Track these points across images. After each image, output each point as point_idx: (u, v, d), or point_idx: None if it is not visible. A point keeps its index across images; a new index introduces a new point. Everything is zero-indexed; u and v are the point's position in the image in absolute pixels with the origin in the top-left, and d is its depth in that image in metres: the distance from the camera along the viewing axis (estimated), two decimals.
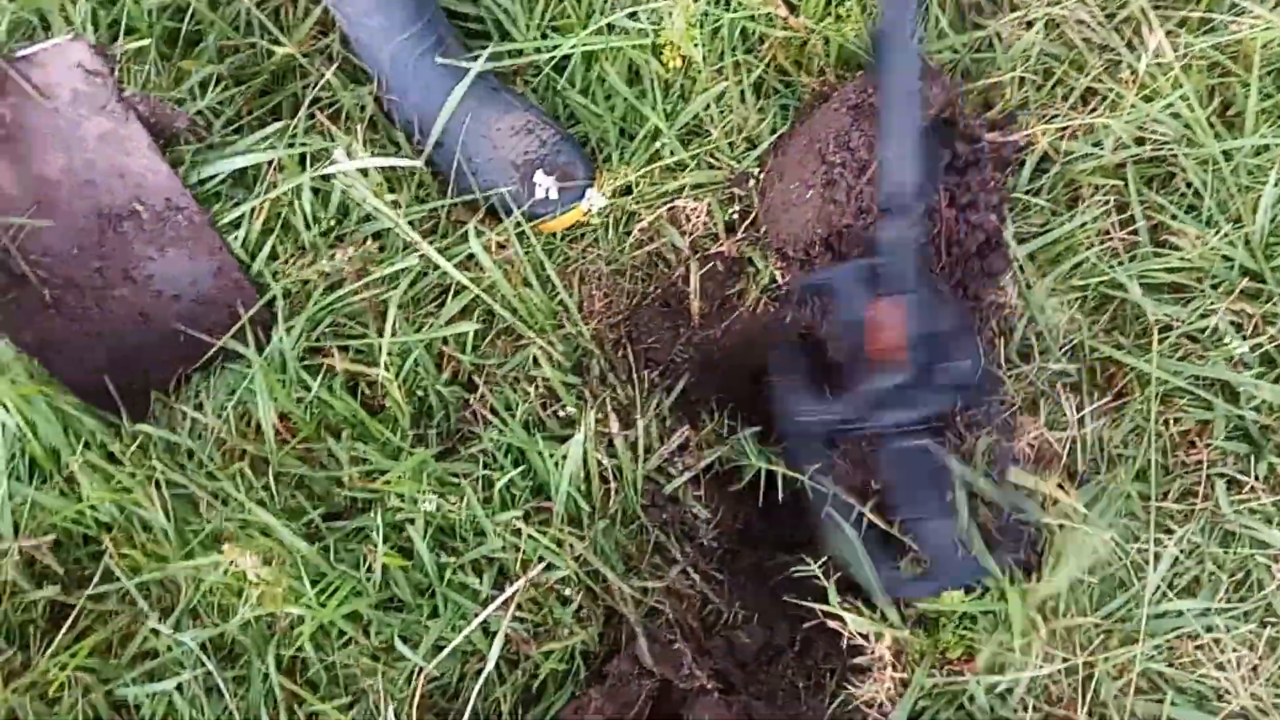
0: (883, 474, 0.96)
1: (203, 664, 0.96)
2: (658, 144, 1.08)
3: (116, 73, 0.99)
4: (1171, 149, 1.05)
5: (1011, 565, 0.91)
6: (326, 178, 1.04)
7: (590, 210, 1.08)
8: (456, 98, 1.06)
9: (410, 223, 1.04)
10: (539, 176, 1.05)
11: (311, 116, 1.07)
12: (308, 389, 1.01)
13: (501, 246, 1.06)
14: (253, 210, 1.02)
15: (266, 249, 1.04)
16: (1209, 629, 0.98)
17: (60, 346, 1.00)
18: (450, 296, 1.05)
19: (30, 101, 0.97)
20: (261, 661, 0.96)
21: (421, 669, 0.94)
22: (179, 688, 0.96)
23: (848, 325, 0.96)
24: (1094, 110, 1.06)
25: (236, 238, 1.03)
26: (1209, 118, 1.06)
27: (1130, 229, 1.06)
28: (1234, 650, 0.97)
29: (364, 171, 1.04)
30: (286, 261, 1.03)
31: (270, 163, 1.04)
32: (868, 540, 0.94)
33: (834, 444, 1.00)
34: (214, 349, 1.00)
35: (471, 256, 1.04)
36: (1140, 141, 1.06)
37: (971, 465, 0.95)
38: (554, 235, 1.11)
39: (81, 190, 0.98)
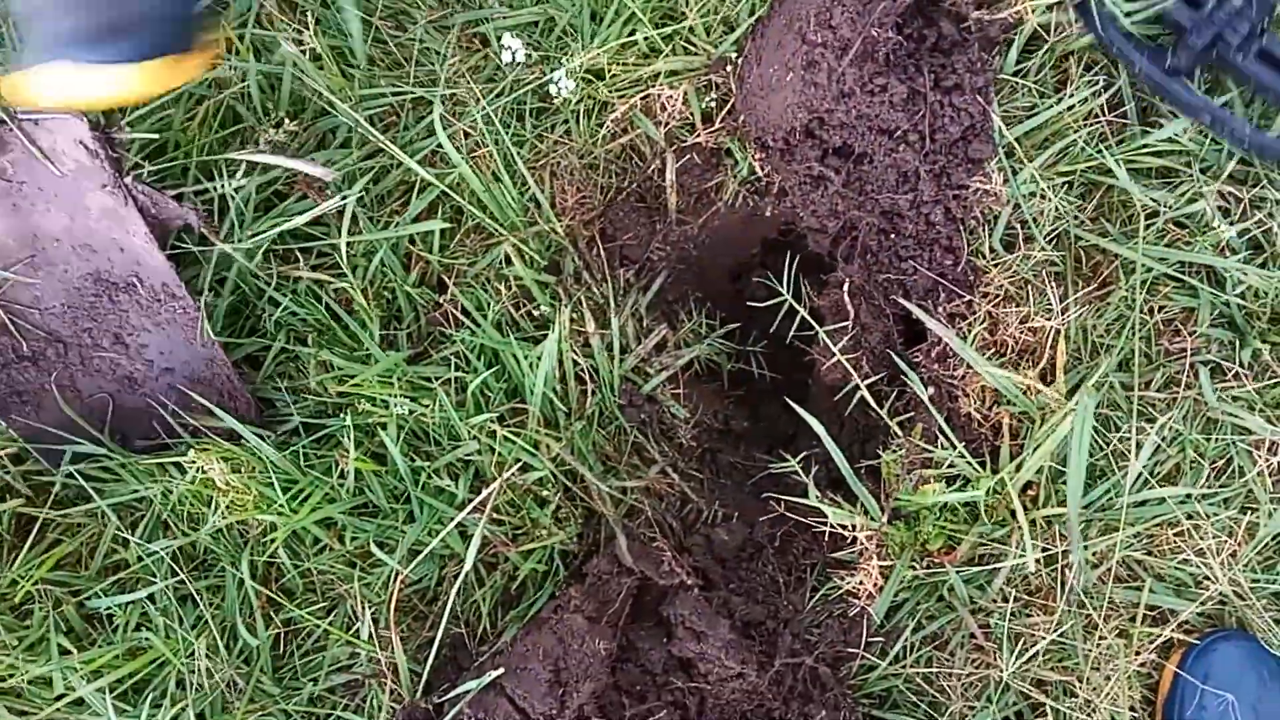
0: None
1: (174, 573, 0.95)
2: (630, 26, 1.02)
3: (116, 154, 0.95)
4: None
5: None
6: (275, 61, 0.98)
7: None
8: None
9: (370, 119, 0.99)
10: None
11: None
12: (274, 305, 0.97)
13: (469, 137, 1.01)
14: (200, 98, 0.96)
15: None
16: (1189, 516, 0.98)
17: (26, 396, 0.99)
18: (415, 193, 1.01)
19: (36, 162, 0.94)
20: (235, 569, 0.95)
21: (398, 573, 0.93)
22: (151, 598, 0.95)
23: None
24: None
25: (187, 128, 0.98)
26: None
27: (1119, 110, 1.02)
28: (1214, 536, 0.97)
29: (319, 64, 0.99)
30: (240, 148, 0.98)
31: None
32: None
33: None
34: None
35: (437, 151, 1.00)
36: None
37: None
38: (523, 128, 1.05)
39: (81, 253, 0.97)
